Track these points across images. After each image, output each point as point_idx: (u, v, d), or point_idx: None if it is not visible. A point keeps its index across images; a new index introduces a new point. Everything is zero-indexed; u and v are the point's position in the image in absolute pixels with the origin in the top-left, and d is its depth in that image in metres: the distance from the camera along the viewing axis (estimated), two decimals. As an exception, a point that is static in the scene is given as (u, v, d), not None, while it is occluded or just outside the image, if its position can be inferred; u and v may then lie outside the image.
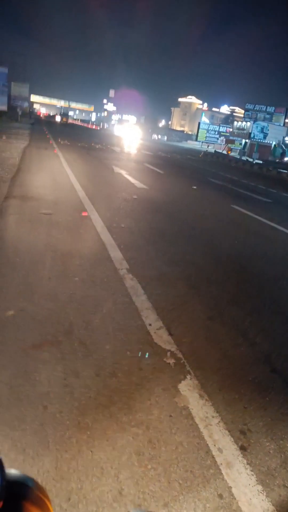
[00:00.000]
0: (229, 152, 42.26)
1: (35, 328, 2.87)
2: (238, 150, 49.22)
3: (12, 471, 0.50)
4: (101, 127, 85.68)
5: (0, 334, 2.74)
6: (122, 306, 3.42)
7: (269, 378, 2.72)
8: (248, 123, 51.65)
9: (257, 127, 49.84)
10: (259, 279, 4.76)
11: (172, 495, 1.71)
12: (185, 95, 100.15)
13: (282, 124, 52.04)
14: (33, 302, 3.23)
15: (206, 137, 53.54)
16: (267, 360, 2.94)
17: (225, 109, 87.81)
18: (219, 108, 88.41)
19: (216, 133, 53.86)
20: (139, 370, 2.56)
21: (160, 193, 9.95)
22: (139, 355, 2.72)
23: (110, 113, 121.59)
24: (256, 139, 49.66)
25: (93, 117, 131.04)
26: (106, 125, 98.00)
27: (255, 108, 54.20)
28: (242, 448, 2.03)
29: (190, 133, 79.90)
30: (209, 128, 54.51)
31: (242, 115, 59.55)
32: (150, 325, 3.14)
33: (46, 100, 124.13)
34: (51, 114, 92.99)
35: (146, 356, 2.72)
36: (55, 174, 10.09)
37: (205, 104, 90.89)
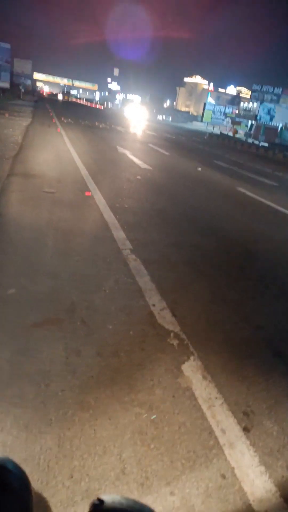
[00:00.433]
0: (235, 133, 41.60)
1: (37, 306, 2.84)
2: (244, 132, 48.48)
3: None
4: (105, 106, 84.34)
5: (1, 312, 2.72)
6: (125, 286, 3.38)
7: (272, 361, 2.69)
8: (255, 105, 50.68)
9: (263, 108, 48.92)
10: (263, 262, 4.71)
11: (175, 474, 1.70)
12: (190, 75, 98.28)
13: (289, 106, 51.03)
14: (34, 281, 3.20)
15: (211, 118, 52.65)
16: (270, 343, 2.91)
17: (231, 90, 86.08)
18: (225, 88, 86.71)
19: (222, 114, 52.95)
20: (142, 350, 2.53)
21: (164, 174, 9.82)
22: (142, 335, 2.70)
23: (114, 92, 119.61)
24: (262, 121, 48.81)
25: (97, 96, 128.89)
26: (110, 105, 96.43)
27: (262, 89, 53.02)
28: (245, 429, 2.02)
29: (195, 114, 78.73)
30: (215, 109, 53.55)
31: (249, 96, 58.34)
32: (153, 305, 3.11)
33: (50, 78, 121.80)
34: (54, 93, 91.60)
35: (149, 336, 2.70)
36: (58, 153, 9.96)
37: (211, 85, 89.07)
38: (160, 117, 75.88)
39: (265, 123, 48.64)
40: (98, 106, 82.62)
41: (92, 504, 0.42)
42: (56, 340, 2.48)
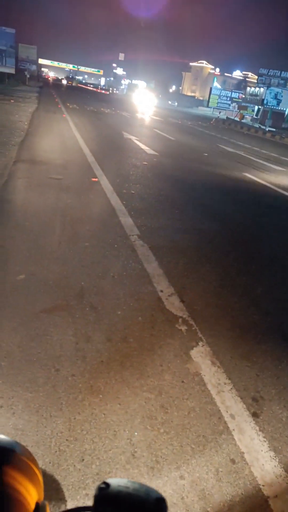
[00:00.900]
0: (242, 118, 40.96)
1: (46, 292, 2.85)
2: (250, 117, 47.77)
3: None
4: (110, 91, 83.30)
5: (11, 298, 2.72)
6: (133, 272, 3.37)
7: (281, 347, 2.69)
8: (262, 89, 49.70)
9: (270, 93, 48.00)
10: (271, 248, 4.67)
11: (185, 458, 1.71)
12: (196, 60, 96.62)
13: (297, 91, 50.07)
14: (43, 267, 3.20)
15: (217, 103, 51.82)
16: (279, 329, 2.90)
17: (237, 74, 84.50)
18: (231, 73, 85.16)
19: (228, 99, 52.07)
20: (151, 336, 2.54)
21: (170, 159, 9.72)
22: (151, 321, 2.70)
23: (119, 78, 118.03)
24: (269, 105, 47.98)
25: (102, 81, 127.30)
26: (116, 90, 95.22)
27: (269, 74, 51.91)
28: (255, 415, 2.02)
29: (201, 98, 77.55)
30: (221, 94, 52.66)
31: (255, 81, 57.25)
32: (161, 291, 3.10)
33: (55, 63, 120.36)
34: (60, 78, 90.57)
35: (158, 322, 2.70)
36: (64, 139, 9.88)
37: (217, 69, 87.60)
38: (169, 102, 74.79)
39: (272, 107, 47.80)
40: (104, 91, 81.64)
41: (98, 488, 0.42)
42: (66, 326, 2.49)
